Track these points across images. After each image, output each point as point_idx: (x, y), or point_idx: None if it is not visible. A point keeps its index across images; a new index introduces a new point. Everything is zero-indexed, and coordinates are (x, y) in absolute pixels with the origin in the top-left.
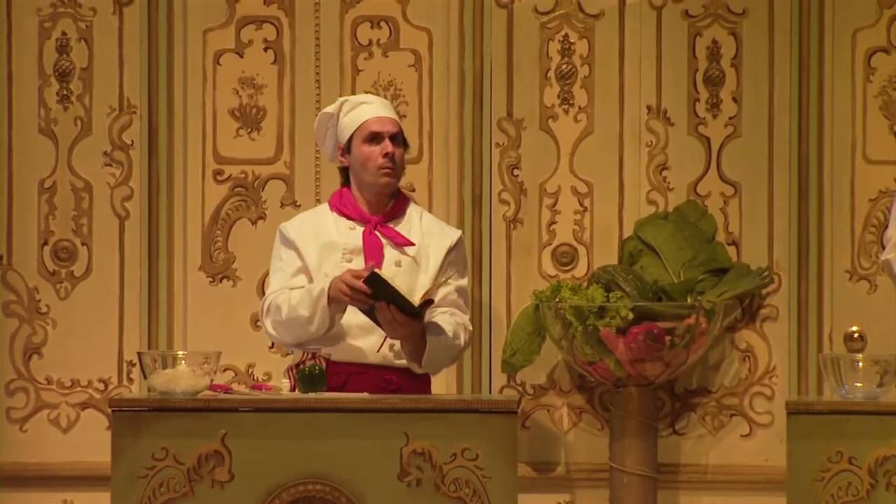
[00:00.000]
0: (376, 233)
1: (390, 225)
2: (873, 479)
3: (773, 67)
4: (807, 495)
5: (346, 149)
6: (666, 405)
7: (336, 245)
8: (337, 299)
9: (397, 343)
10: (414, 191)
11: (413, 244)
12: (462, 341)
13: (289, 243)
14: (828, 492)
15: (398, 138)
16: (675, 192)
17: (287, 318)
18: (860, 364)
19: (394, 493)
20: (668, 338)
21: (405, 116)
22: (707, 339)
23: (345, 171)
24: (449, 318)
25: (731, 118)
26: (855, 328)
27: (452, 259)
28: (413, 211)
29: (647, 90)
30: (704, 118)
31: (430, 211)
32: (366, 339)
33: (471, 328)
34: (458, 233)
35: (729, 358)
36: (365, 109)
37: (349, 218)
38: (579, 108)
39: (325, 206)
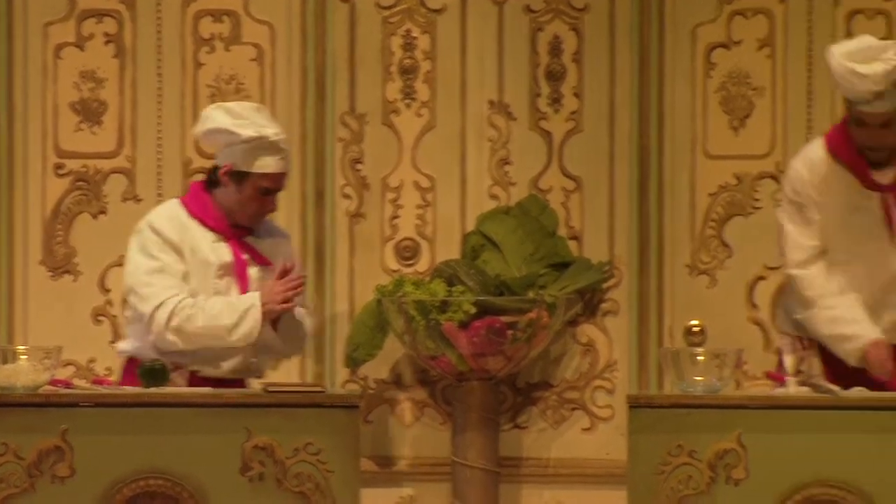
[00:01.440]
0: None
1: (249, 240)
2: (713, 472)
3: (614, 63)
4: (647, 489)
5: (235, 175)
6: (508, 399)
7: (209, 262)
8: (271, 313)
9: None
10: None
11: (271, 264)
12: (306, 326)
13: (171, 245)
14: (668, 485)
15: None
16: (516, 187)
17: (204, 326)
18: (700, 358)
19: (236, 487)
20: (509, 332)
21: None
22: (548, 333)
23: (214, 174)
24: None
25: (572, 113)
26: (695, 322)
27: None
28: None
29: (489, 85)
30: (546, 113)
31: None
32: (233, 359)
33: (309, 312)
34: (288, 234)
35: (570, 352)
36: (271, 161)
37: (211, 230)
38: (422, 102)
39: (180, 209)
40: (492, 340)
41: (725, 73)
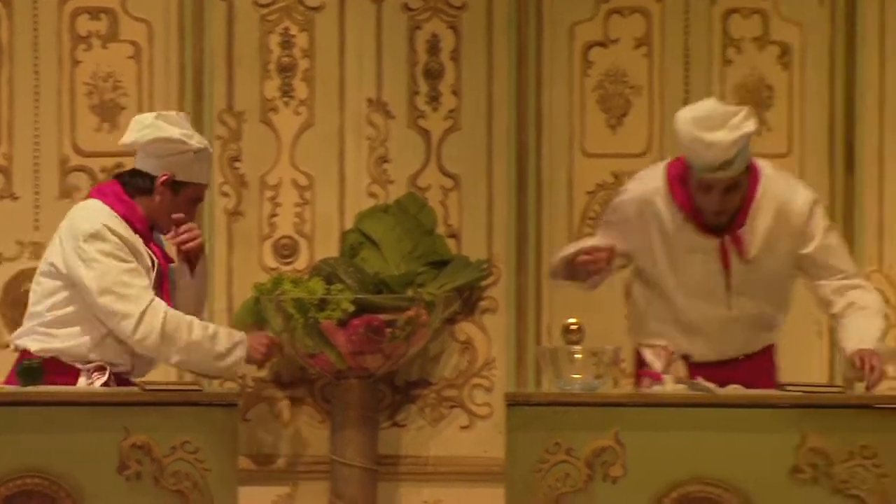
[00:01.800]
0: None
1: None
2: (591, 469)
3: (492, 61)
4: (525, 486)
5: (173, 185)
6: (386, 397)
7: (149, 267)
8: (251, 358)
9: None
10: None
11: (174, 261)
12: None
13: (131, 248)
14: (546, 483)
15: None
16: (395, 185)
17: (197, 340)
18: (578, 356)
19: (113, 486)
20: (388, 330)
21: (125, 108)
22: (427, 331)
23: (142, 182)
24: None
25: (450, 111)
26: (572, 320)
27: None
28: None
29: (367, 83)
30: (424, 111)
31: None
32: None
33: None
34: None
35: (449, 350)
36: (208, 171)
37: (138, 233)
38: (300, 100)
39: (110, 213)
40: (370, 338)
41: (603, 71)
